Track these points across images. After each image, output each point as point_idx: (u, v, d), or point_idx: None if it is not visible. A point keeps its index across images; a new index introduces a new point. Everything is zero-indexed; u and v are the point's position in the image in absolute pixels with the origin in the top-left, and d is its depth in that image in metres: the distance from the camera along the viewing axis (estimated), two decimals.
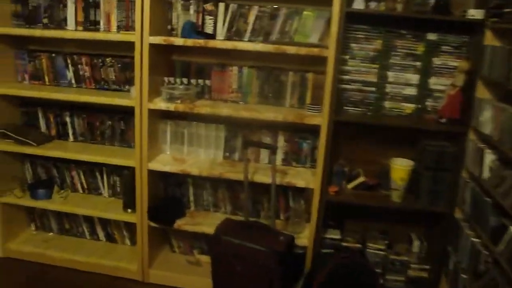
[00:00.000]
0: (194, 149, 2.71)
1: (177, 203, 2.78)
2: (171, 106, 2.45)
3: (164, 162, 2.59)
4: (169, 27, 2.60)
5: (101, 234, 3.05)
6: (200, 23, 2.56)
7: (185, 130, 2.68)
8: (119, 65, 2.68)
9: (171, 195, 2.83)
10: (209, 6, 2.52)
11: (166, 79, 2.67)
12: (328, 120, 2.32)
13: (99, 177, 2.89)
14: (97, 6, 2.60)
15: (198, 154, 2.72)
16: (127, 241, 3.00)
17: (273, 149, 2.36)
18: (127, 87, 2.71)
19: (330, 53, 2.24)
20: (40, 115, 2.88)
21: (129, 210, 2.73)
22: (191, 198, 2.82)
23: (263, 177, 2.46)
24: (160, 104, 2.46)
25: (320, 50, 2.26)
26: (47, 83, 2.83)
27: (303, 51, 2.27)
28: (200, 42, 2.34)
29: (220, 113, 2.43)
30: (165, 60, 2.64)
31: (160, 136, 2.70)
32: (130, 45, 2.40)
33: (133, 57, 2.45)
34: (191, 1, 2.53)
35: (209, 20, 2.54)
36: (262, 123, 2.49)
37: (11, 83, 2.80)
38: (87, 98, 2.54)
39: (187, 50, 2.57)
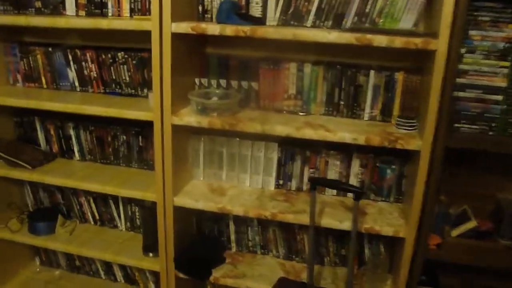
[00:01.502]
0: (236, 175, 1.99)
1: (214, 245, 2.08)
2: (203, 121, 1.72)
3: (196, 195, 1.89)
4: (200, 7, 1.85)
5: (118, 274, 2.39)
6: (243, 1, 1.81)
7: (224, 149, 1.96)
8: (135, 62, 1.97)
9: (205, 233, 2.12)
10: None
11: (197, 80, 1.93)
12: (434, 144, 1.55)
13: (113, 206, 2.21)
14: None
15: (241, 181, 1.99)
16: (151, 285, 2.33)
17: (357, 194, 1.59)
18: (145, 90, 2.00)
19: (441, 45, 1.46)
20: (37, 126, 2.22)
21: (151, 254, 2.05)
22: (232, 236, 2.11)
23: (332, 221, 1.73)
24: (189, 118, 1.74)
25: (425, 41, 1.47)
26: (44, 85, 2.16)
27: (399, 42, 1.50)
28: (245, 29, 1.59)
29: (273, 132, 1.69)
30: (195, 55, 1.91)
31: (191, 156, 1.99)
32: (148, 35, 1.68)
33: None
34: None
35: None
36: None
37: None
38: (93, 109, 1.86)
39: (226, 41, 1.83)
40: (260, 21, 1.78)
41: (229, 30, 1.62)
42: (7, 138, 2.23)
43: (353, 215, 1.61)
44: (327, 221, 1.74)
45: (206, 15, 1.87)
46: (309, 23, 1.78)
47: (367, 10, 1.71)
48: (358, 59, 1.85)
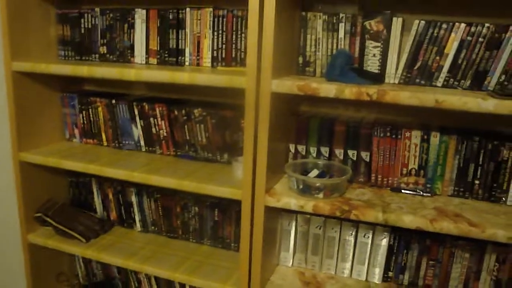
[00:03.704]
0: (333, 262, 1.58)
1: None
2: (307, 206, 1.34)
3: None
4: (300, 59, 1.49)
5: None
6: (356, 53, 1.44)
7: (321, 231, 1.56)
8: (214, 121, 1.61)
9: None
10: (374, 24, 1.39)
11: (291, 147, 1.56)
12: None
13: (178, 287, 1.84)
14: (180, 25, 1.57)
15: (340, 271, 1.60)
16: None
17: None
18: (225, 156, 1.64)
19: None
20: (94, 189, 1.89)
21: None
22: None
23: None
24: (287, 199, 1.37)
25: None
26: (104, 143, 1.84)
27: None
28: (370, 92, 1.22)
29: (401, 224, 1.28)
30: (290, 116, 1.54)
31: (279, 238, 1.60)
32: (234, 90, 1.35)
33: (236, 108, 1.42)
34: (341, 16, 1.41)
35: (372, 49, 1.41)
36: None
37: (53, 144, 1.83)
38: (164, 181, 1.51)
39: (326, 98, 1.45)
40: (379, 78, 1.41)
41: (349, 92, 1.25)
42: (60, 199, 1.91)
43: None
44: None
45: (307, 68, 1.51)
46: (440, 81, 1.40)
47: None
48: (498, 127, 1.45)
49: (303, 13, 1.47)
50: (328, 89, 1.27)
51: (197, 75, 1.39)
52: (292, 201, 1.37)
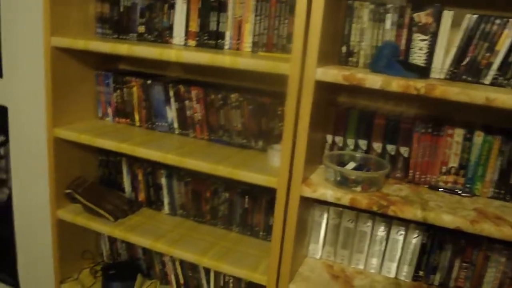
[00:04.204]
0: (363, 257, 1.56)
1: None
2: (344, 198, 1.32)
3: (316, 284, 1.47)
4: (344, 48, 1.46)
5: None
6: (402, 45, 1.40)
7: (353, 225, 1.53)
8: (251, 107, 1.59)
9: None
10: (424, 17, 1.34)
11: (328, 138, 1.53)
12: None
13: (202, 272, 1.83)
14: (222, 8, 1.55)
15: (369, 266, 1.57)
16: None
17: None
18: (260, 143, 1.62)
19: None
20: (124, 169, 1.89)
21: None
22: None
23: None
24: (324, 191, 1.34)
25: None
26: (136, 123, 1.83)
27: None
28: (418, 86, 1.19)
29: (440, 223, 1.25)
30: (328, 106, 1.51)
31: (309, 230, 1.58)
32: (273, 76, 1.32)
33: (274, 95, 1.39)
34: (388, 6, 1.38)
35: (419, 42, 1.37)
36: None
37: (85, 121, 1.83)
38: (198, 165, 1.49)
39: (367, 89, 1.42)
40: (425, 72, 1.37)
41: (396, 84, 1.21)
42: (90, 177, 1.91)
43: None
44: None
45: (350, 59, 1.48)
46: (488, 79, 1.35)
47: None
48: None
49: (350, 1, 1.44)
50: (374, 81, 1.24)
51: (239, 59, 1.37)
52: (328, 193, 1.34)
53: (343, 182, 1.36)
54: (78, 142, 1.70)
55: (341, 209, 1.56)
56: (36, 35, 2.00)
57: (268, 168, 1.47)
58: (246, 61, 1.36)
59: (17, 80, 2.15)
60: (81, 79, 1.80)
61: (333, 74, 1.27)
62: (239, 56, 1.39)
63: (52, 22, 1.63)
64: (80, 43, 1.60)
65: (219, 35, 1.63)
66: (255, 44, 1.58)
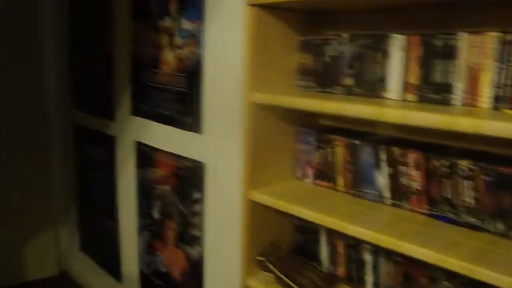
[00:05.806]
0: None
1: None
2: None
3: None
4: None
5: None
6: None
7: None
8: (488, 179, 1.22)
9: None
10: None
11: None
12: None
13: None
14: (450, 54, 1.23)
15: None
16: None
17: None
18: (499, 226, 1.24)
19: None
20: (322, 239, 1.65)
21: None
22: None
23: None
24: None
25: None
26: (340, 188, 1.59)
27: None
28: None
29: None
30: None
31: None
32: None
33: None
34: None
35: None
36: None
37: (282, 182, 1.65)
38: (412, 249, 1.16)
39: None
40: None
41: None
42: (282, 243, 1.73)
43: None
44: None
45: None
46: None
47: None
48: None
49: None
50: None
51: (487, 123, 1.02)
52: None
53: None
54: (274, 207, 1.52)
55: None
56: (234, 91, 1.92)
57: None
58: (495, 125, 1.01)
59: (215, 137, 2.10)
60: (280, 136, 1.64)
61: None
62: (485, 119, 1.05)
63: (253, 77, 1.50)
64: (284, 100, 1.43)
65: (446, 88, 1.31)
66: (496, 99, 1.22)
